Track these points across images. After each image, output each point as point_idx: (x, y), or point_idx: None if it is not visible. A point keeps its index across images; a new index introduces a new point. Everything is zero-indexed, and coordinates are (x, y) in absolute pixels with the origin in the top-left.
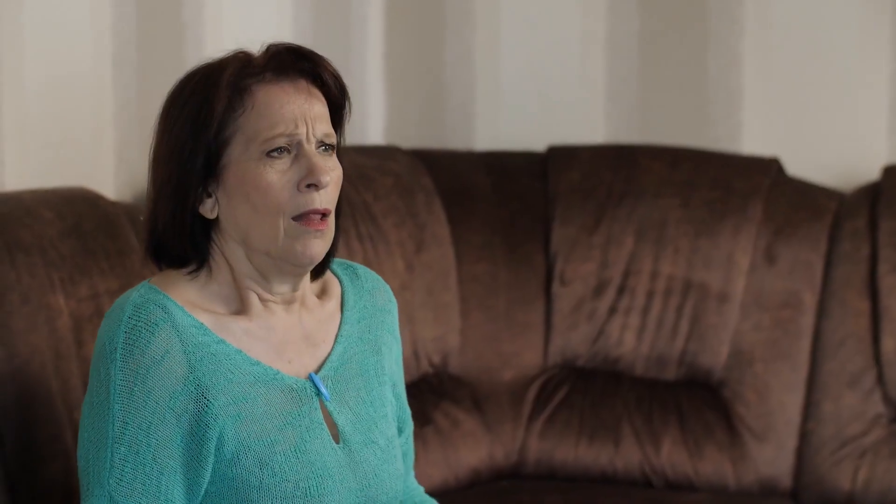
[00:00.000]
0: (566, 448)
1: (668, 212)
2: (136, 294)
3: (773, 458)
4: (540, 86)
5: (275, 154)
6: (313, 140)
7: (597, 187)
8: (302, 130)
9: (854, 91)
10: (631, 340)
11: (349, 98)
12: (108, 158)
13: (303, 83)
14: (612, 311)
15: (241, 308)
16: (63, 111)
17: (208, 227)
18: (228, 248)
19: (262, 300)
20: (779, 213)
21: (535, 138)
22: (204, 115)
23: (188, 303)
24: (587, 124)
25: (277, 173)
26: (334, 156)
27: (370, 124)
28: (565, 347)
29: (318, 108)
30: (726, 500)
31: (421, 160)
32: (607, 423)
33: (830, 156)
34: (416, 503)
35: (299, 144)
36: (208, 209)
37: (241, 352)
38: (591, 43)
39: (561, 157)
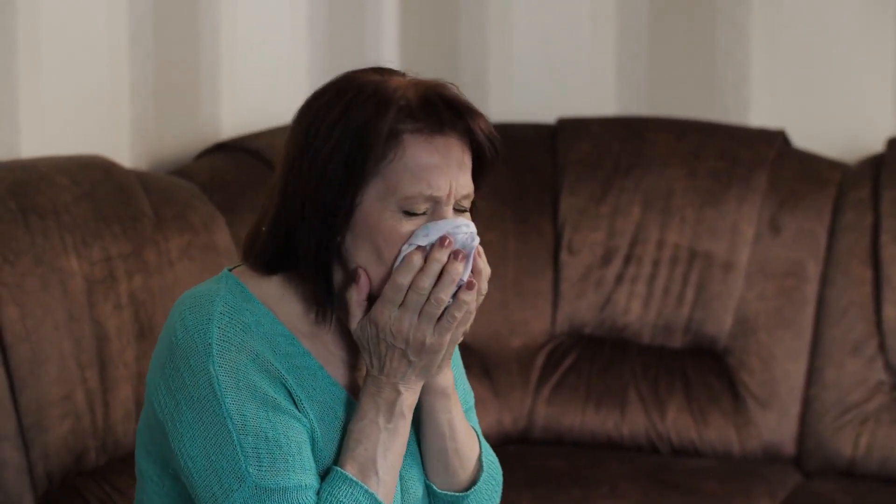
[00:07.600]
0: (573, 414)
1: (675, 182)
2: (224, 290)
3: (776, 425)
4: (551, 60)
5: (412, 213)
6: (452, 202)
7: (605, 158)
8: (444, 194)
9: (859, 65)
10: (637, 308)
11: (500, 156)
12: (124, 131)
13: (456, 145)
14: (619, 279)
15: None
16: (79, 84)
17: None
18: (336, 273)
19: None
20: (783, 184)
21: (546, 112)
22: (359, 162)
23: (272, 300)
24: (598, 98)
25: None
26: (468, 213)
27: None
28: (573, 315)
29: (465, 176)
30: (730, 465)
31: None
32: (614, 390)
33: (836, 128)
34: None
35: (437, 204)
36: None
37: (322, 368)
38: (602, 17)
39: (570, 129)
